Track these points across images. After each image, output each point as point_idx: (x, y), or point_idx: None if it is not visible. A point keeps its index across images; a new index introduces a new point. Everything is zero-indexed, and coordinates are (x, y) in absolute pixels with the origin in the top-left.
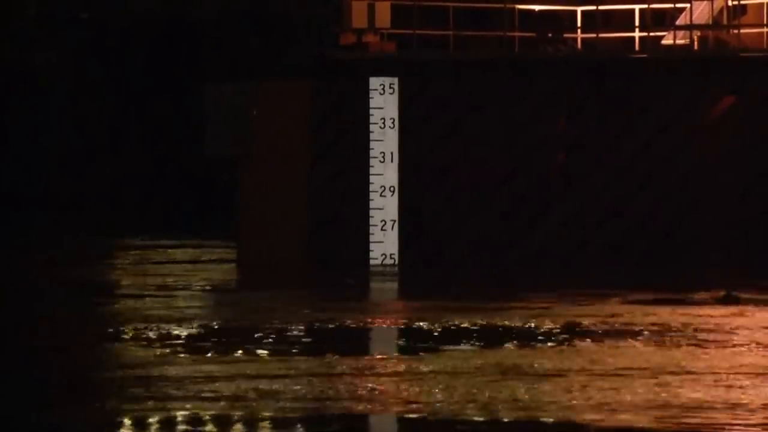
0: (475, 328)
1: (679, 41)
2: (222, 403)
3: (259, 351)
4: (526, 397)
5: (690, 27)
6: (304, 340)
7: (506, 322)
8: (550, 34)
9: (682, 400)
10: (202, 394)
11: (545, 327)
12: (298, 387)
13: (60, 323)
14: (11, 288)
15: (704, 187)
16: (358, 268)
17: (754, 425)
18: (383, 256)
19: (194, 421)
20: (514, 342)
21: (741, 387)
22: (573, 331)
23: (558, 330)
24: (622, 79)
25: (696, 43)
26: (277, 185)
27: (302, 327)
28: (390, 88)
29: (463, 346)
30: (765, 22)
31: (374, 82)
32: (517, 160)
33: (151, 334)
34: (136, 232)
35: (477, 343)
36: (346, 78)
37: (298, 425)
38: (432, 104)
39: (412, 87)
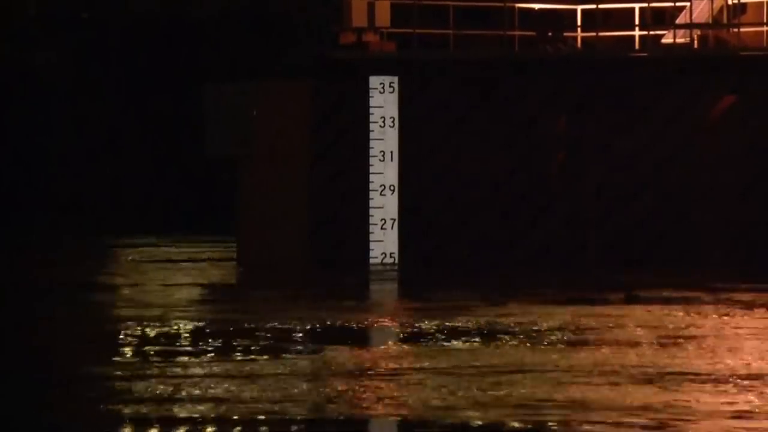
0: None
1: (679, 40)
2: (221, 404)
3: (258, 351)
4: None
5: (690, 26)
6: (303, 339)
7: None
8: (550, 33)
9: (536, 397)
10: (201, 394)
11: (427, 328)
12: (297, 387)
13: (60, 323)
14: (11, 288)
15: (704, 187)
16: (358, 268)
17: (607, 423)
18: (383, 255)
19: (193, 421)
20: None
21: (588, 385)
22: (452, 331)
23: (442, 329)
24: (622, 78)
25: (696, 42)
26: (277, 185)
27: (302, 327)
28: (390, 87)
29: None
30: (765, 21)
31: (374, 81)
32: (517, 160)
33: (151, 334)
34: (135, 232)
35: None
36: (346, 77)
37: (298, 426)
38: (432, 103)
39: (412, 86)
